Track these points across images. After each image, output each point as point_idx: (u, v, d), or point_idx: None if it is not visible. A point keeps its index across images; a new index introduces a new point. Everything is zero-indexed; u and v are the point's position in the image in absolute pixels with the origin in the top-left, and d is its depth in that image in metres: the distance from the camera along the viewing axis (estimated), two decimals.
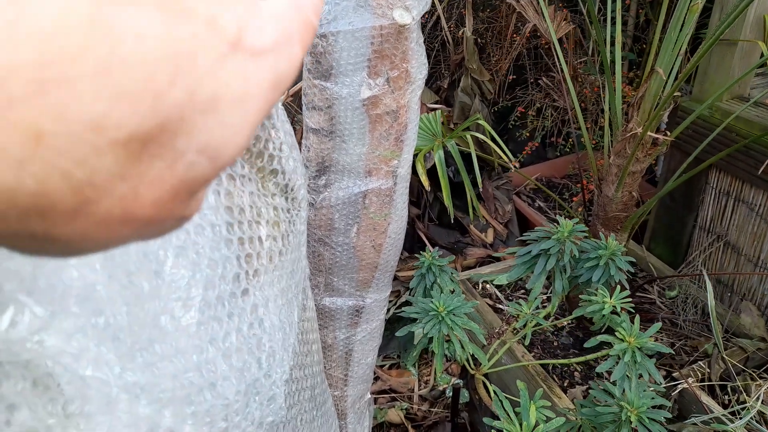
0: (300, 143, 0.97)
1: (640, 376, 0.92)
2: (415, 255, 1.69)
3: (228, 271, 0.36)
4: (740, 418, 1.14)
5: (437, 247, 1.13)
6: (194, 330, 0.33)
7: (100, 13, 0.13)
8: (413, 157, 1.07)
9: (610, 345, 0.94)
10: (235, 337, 0.35)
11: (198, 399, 0.32)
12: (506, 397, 0.92)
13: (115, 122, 0.13)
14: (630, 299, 0.92)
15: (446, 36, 2.35)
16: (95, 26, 0.13)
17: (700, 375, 1.39)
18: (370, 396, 1.40)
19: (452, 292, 0.98)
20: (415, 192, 2.37)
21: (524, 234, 1.02)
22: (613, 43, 1.45)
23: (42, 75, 0.12)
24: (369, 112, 0.91)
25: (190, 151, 0.15)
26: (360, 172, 0.99)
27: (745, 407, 1.18)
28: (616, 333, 0.89)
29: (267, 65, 0.16)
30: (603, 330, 0.96)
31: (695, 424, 1.17)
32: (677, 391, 1.32)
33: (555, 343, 1.66)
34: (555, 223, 0.98)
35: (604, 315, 0.90)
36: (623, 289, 0.92)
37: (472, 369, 1.01)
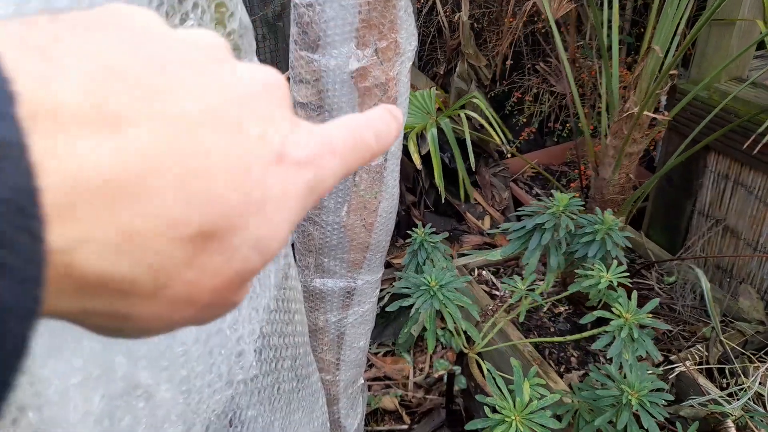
0: None
1: (640, 357, 0.90)
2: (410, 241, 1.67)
3: None
4: (738, 400, 1.12)
5: (430, 224, 1.10)
6: None
7: (182, 137, 0.16)
8: (406, 135, 1.05)
9: (607, 323, 0.91)
10: None
11: (152, 341, 0.30)
12: (500, 375, 0.90)
13: (186, 221, 0.16)
14: (627, 274, 0.90)
15: (442, 21, 2.32)
16: (177, 149, 0.16)
17: (697, 358, 1.37)
18: (363, 381, 1.38)
19: (444, 268, 0.96)
20: (411, 179, 2.35)
21: (519, 209, 1.00)
22: (610, 26, 1.43)
23: (138, 186, 0.15)
24: (358, 85, 0.89)
25: (244, 246, 0.18)
26: None
27: (743, 388, 1.16)
28: (613, 309, 0.87)
29: (305, 173, 0.20)
30: (599, 307, 0.94)
31: (692, 406, 1.15)
32: (674, 374, 1.30)
33: (552, 330, 1.64)
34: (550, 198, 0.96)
35: (600, 290, 0.87)
36: (620, 264, 0.89)
37: (466, 348, 0.99)
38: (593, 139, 1.53)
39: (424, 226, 1.10)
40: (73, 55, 0.16)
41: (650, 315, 0.89)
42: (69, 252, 0.15)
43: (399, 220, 2.09)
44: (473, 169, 2.32)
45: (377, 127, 0.23)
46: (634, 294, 0.89)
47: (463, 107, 1.76)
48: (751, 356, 1.36)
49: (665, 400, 0.91)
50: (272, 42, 2.59)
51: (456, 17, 2.24)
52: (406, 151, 1.58)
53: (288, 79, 1.87)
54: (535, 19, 2.41)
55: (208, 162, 0.17)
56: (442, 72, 2.44)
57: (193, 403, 0.35)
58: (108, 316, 0.17)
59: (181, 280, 0.17)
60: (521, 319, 1.01)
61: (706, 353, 1.39)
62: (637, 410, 0.90)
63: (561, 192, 1.09)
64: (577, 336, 0.99)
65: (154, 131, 0.16)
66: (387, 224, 1.10)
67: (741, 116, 1.49)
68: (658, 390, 0.92)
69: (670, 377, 1.30)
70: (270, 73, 0.20)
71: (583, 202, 0.98)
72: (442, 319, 0.97)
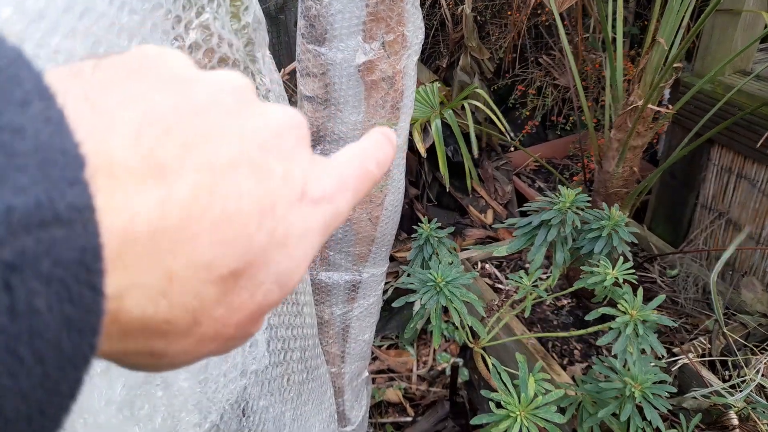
0: None
1: (643, 351, 0.91)
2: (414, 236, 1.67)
3: None
4: (740, 392, 1.13)
5: (435, 219, 1.11)
6: None
7: (218, 183, 0.17)
8: (410, 127, 1.05)
9: (612, 319, 0.92)
10: None
11: None
12: (505, 370, 0.91)
13: (221, 263, 0.17)
14: (633, 271, 0.90)
15: (445, 14, 2.32)
16: (215, 194, 0.17)
17: (700, 351, 1.38)
18: (368, 374, 1.39)
19: (451, 263, 0.96)
20: (414, 172, 2.35)
21: (524, 204, 1.00)
22: (615, 19, 1.43)
23: (179, 233, 0.16)
24: (364, 78, 0.89)
25: (267, 281, 0.19)
26: (356, 141, 0.97)
27: (745, 380, 1.16)
28: (618, 305, 0.88)
29: (322, 209, 0.21)
30: (604, 303, 0.94)
31: (695, 398, 1.16)
32: (677, 366, 1.31)
33: (555, 322, 1.64)
34: (557, 193, 0.96)
35: (605, 287, 0.88)
36: (626, 260, 0.90)
37: (471, 342, 0.99)
38: (596, 132, 1.53)
39: (429, 220, 1.11)
40: (119, 106, 0.16)
41: (655, 311, 0.90)
42: (118, 298, 0.16)
43: (402, 214, 2.09)
44: (477, 163, 2.32)
45: (377, 156, 0.25)
46: (640, 291, 0.89)
47: (465, 99, 1.76)
48: (754, 348, 1.37)
49: (668, 392, 0.91)
50: (274, 35, 2.58)
51: (459, 10, 2.24)
52: (410, 143, 1.58)
53: (289, 73, 1.86)
54: (539, 11, 2.40)
55: (240, 204, 0.18)
56: (444, 65, 2.43)
57: (210, 392, 0.35)
58: (145, 354, 0.18)
59: (211, 318, 0.18)
60: (527, 314, 1.01)
61: (709, 345, 1.39)
62: (640, 402, 0.90)
63: (565, 186, 1.09)
64: (582, 331, 1.00)
65: (195, 179, 0.17)
66: (393, 217, 1.10)
67: (745, 109, 1.49)
68: (661, 382, 0.92)
69: (673, 369, 1.31)
70: (292, 113, 0.21)
71: (589, 198, 0.98)
72: (446, 312, 0.97)
